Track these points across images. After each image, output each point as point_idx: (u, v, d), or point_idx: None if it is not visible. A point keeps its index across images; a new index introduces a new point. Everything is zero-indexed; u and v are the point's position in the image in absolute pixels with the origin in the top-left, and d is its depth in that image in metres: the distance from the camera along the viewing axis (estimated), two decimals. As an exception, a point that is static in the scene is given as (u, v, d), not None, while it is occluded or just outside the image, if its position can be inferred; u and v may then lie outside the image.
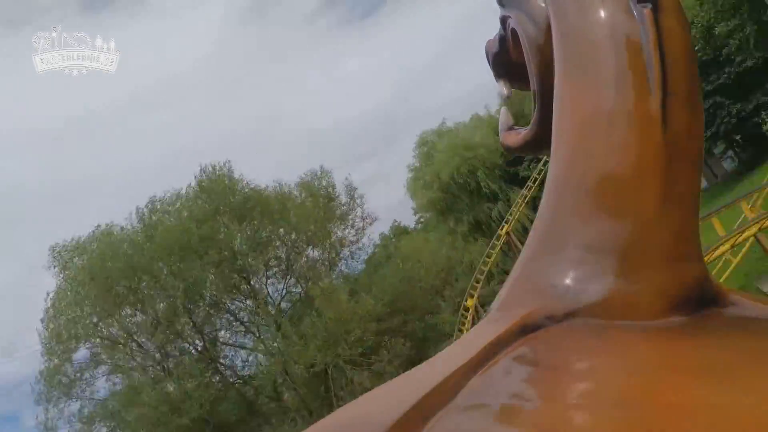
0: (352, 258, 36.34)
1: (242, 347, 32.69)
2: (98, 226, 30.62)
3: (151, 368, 29.51)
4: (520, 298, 0.82)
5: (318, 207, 32.74)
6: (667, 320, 0.72)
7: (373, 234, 39.30)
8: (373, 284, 32.30)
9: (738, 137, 35.74)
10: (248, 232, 30.40)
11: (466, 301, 25.25)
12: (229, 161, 31.88)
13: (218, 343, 32.17)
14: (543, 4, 0.87)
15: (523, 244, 0.91)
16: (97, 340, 29.46)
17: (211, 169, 31.52)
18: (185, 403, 26.43)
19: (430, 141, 43.87)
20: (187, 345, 30.92)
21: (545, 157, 0.94)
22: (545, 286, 0.80)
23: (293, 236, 32.06)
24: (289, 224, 31.43)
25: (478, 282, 25.99)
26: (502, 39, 1.03)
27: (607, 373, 0.66)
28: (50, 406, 28.27)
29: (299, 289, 32.79)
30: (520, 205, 32.19)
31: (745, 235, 15.64)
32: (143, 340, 29.87)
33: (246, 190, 31.61)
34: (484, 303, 23.60)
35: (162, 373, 29.38)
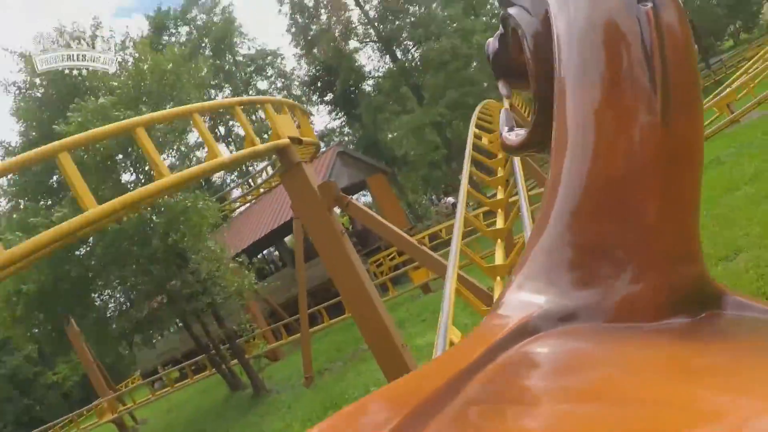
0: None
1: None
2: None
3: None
4: (520, 301, 0.83)
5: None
6: (667, 323, 0.72)
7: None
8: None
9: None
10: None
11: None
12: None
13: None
14: (544, 4, 0.88)
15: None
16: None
17: None
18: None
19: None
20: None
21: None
22: (545, 289, 0.80)
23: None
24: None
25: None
26: (502, 38, 1.03)
27: (606, 377, 0.66)
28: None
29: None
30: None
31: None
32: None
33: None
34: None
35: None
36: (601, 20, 0.76)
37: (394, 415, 0.60)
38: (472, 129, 10.36)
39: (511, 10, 0.97)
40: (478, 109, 12.40)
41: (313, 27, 44.32)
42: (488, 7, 50.48)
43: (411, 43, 43.16)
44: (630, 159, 0.74)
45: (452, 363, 0.72)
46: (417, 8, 43.06)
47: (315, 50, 44.67)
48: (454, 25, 42.20)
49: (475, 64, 40.24)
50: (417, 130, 39.44)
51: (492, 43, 1.07)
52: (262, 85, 49.01)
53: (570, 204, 0.81)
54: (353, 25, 44.09)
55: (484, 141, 10.69)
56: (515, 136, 1.07)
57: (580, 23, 0.79)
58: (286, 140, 9.91)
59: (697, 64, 0.75)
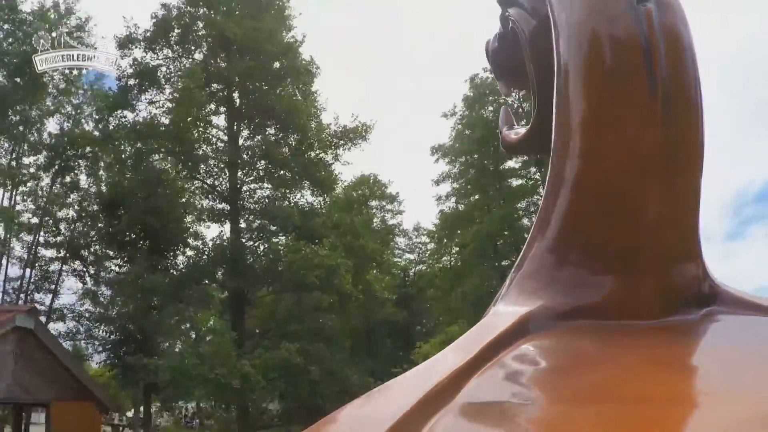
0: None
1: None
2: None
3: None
4: (521, 298, 0.83)
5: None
6: (666, 320, 0.73)
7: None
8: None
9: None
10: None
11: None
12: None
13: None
14: (544, 4, 0.89)
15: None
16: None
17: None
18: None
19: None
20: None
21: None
22: (546, 286, 0.80)
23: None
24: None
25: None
26: (502, 37, 1.03)
27: (605, 374, 0.66)
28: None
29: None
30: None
31: None
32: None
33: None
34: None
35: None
36: (602, 21, 0.78)
37: (397, 410, 0.61)
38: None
39: (511, 10, 0.98)
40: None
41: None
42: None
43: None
44: (630, 159, 0.76)
45: (455, 359, 0.71)
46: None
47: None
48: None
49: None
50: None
51: (491, 42, 1.06)
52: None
53: (570, 203, 0.81)
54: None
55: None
56: (514, 134, 1.06)
57: (580, 23, 0.81)
58: None
59: (698, 64, 0.78)
